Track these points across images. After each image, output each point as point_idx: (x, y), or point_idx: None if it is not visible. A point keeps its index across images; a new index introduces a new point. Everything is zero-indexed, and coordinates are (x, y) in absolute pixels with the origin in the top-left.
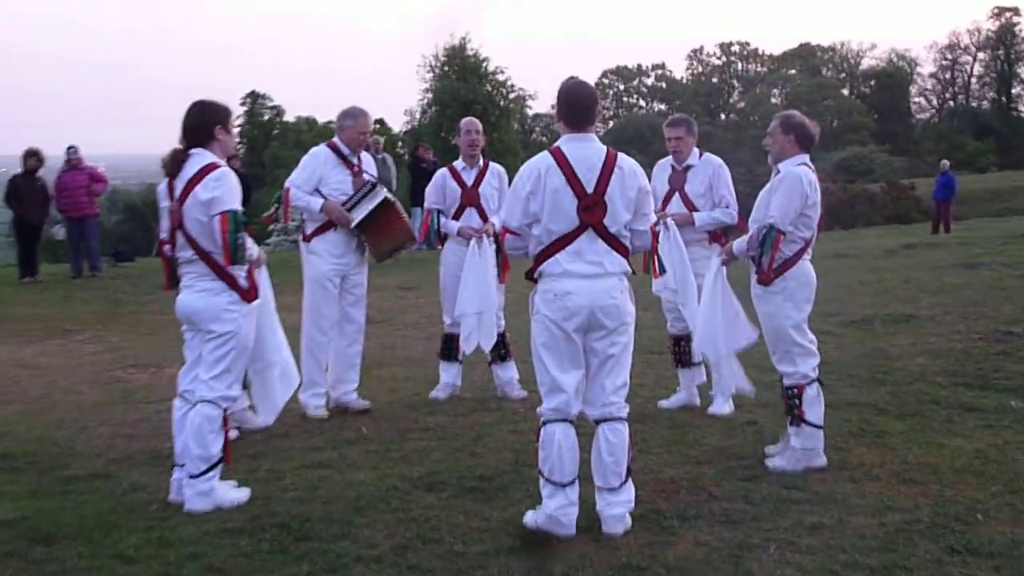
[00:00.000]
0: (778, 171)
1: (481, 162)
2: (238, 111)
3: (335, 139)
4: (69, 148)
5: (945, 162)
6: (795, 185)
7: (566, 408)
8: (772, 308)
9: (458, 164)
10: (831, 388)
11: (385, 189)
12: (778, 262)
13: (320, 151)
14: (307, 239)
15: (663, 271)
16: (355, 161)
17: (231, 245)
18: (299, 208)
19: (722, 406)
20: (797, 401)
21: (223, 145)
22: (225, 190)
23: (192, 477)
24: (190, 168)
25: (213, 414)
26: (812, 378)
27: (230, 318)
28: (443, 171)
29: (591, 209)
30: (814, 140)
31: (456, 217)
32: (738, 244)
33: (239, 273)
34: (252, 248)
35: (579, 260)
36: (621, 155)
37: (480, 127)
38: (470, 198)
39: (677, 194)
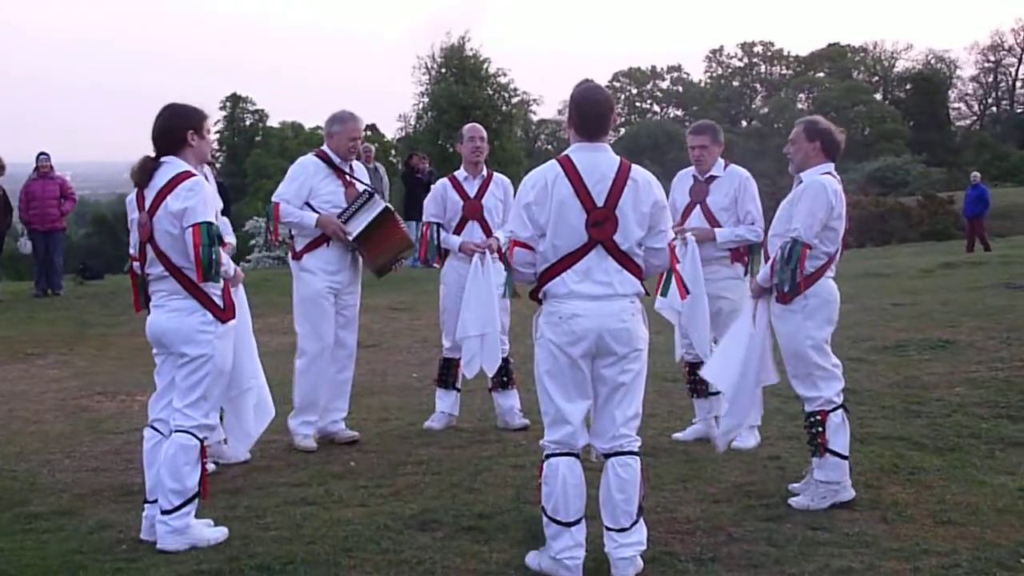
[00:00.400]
0: (800, 180)
1: (485, 172)
2: (217, 115)
3: (324, 147)
4: (40, 155)
5: (976, 174)
6: (819, 194)
7: (571, 440)
8: (791, 328)
9: (459, 174)
10: (861, 420)
11: (381, 198)
12: (799, 278)
13: (308, 161)
14: (297, 256)
15: (687, 291)
16: (347, 170)
17: (204, 260)
18: (291, 224)
19: (746, 439)
20: (820, 429)
21: (197, 151)
22: (198, 200)
23: (164, 513)
24: (161, 177)
25: (189, 444)
26: (836, 404)
27: (204, 340)
28: (443, 181)
29: (601, 224)
30: (840, 148)
31: (457, 231)
32: (762, 275)
33: (214, 291)
34: (228, 264)
35: (587, 280)
36: (635, 167)
37: (484, 134)
38: (472, 211)
39: (698, 207)
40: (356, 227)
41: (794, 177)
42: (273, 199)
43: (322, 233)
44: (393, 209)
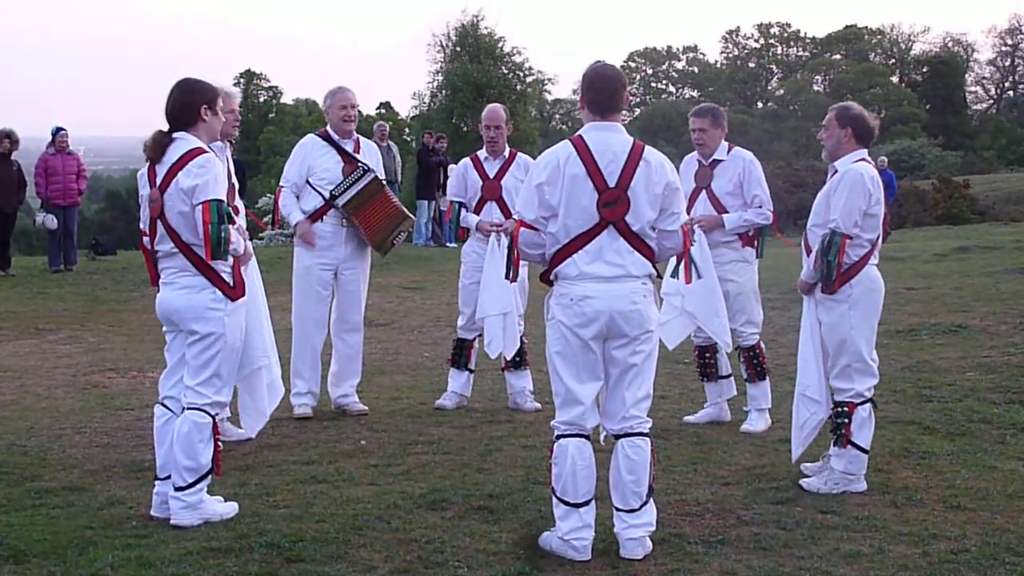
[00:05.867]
0: (835, 170)
1: (507, 153)
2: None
3: (327, 126)
4: (59, 131)
5: (883, 159)
6: (857, 183)
7: (581, 421)
8: (835, 318)
9: (481, 154)
10: None
11: (373, 172)
12: (843, 268)
13: (308, 139)
14: (293, 232)
15: (699, 276)
16: (348, 148)
17: (213, 238)
18: (284, 214)
19: (756, 422)
20: (846, 420)
21: (209, 128)
22: (210, 178)
23: (178, 489)
24: (173, 153)
25: (202, 422)
26: (866, 398)
27: (214, 317)
28: (465, 161)
29: (612, 205)
30: (873, 134)
31: (477, 211)
32: (806, 271)
33: (223, 268)
34: (238, 242)
35: (598, 261)
36: (648, 148)
37: (502, 120)
38: (491, 191)
39: (704, 192)
40: (344, 198)
41: (828, 165)
42: (280, 184)
43: (315, 210)
44: (383, 181)
